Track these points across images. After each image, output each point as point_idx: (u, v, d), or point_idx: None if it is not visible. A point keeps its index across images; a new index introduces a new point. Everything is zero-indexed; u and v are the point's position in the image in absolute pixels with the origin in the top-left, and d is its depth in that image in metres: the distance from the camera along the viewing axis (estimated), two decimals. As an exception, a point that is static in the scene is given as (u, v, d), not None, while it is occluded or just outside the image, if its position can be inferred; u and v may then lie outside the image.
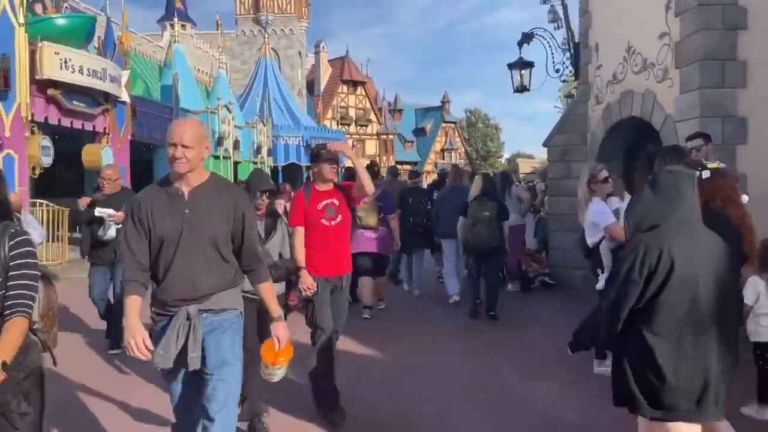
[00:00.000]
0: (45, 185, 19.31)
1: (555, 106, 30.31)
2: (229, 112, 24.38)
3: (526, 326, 7.04)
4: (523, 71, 9.77)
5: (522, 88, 9.87)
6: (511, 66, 9.85)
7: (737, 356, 2.49)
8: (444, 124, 55.01)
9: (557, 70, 10.01)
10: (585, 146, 9.05)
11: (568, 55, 9.79)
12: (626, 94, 7.76)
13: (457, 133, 56.95)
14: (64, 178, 18.69)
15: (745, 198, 3.75)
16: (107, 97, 13.37)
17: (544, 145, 9.66)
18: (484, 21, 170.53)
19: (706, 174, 3.41)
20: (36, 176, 11.33)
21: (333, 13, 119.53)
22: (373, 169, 8.18)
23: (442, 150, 54.55)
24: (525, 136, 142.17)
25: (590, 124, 8.95)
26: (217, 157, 23.15)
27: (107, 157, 13.53)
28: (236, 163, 26.27)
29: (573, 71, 10.07)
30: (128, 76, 14.28)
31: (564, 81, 18.89)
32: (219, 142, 22.96)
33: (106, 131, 13.82)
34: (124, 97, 14.02)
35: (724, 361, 2.39)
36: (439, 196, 8.89)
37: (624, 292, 2.40)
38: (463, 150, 56.76)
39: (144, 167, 19.26)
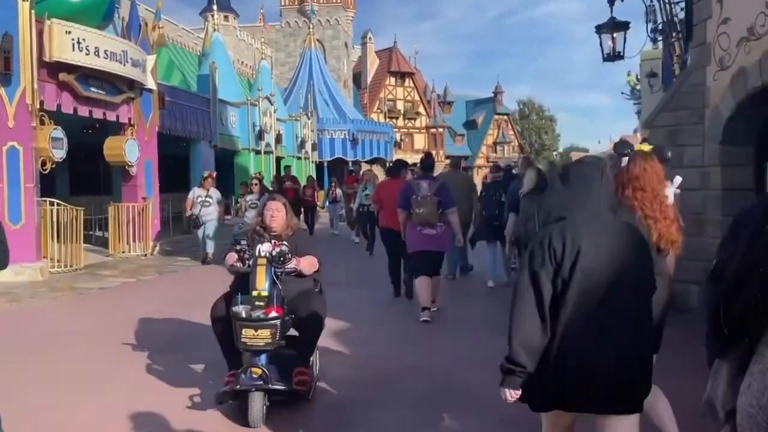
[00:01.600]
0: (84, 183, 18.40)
1: (622, 93, 27.76)
2: (271, 104, 23.01)
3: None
4: (615, 34, 7.82)
5: (614, 56, 7.92)
6: (600, 28, 7.93)
7: (649, 348, 2.45)
8: (496, 117, 52.65)
9: (659, 32, 8.01)
10: (702, 126, 7.05)
11: (674, 11, 7.77)
12: (773, 52, 5.77)
13: (510, 126, 54.45)
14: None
15: (677, 179, 3.74)
16: (131, 85, 12.05)
17: (646, 126, 7.73)
18: (533, 13, 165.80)
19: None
20: (47, 171, 10.02)
21: (380, 4, 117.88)
22: (428, 161, 7.35)
23: (494, 143, 52.22)
24: (579, 129, 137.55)
25: (709, 98, 6.94)
26: (258, 152, 21.85)
27: (132, 152, 12.23)
28: (279, 158, 24.96)
29: (677, 34, 8.05)
30: (155, 61, 12.92)
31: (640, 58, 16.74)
32: (260, 135, 21.62)
33: (131, 122, 12.51)
34: (150, 84, 12.66)
35: (631, 353, 2.34)
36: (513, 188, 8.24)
37: (536, 287, 2.33)
38: (516, 143, 54.23)
39: (178, 163, 18.09)
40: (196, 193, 11.18)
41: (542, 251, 2.35)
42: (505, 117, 54.01)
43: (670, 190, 3.50)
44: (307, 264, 4.20)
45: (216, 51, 22.67)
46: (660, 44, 15.53)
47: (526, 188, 6.92)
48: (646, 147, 3.39)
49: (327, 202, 18.67)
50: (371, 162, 34.11)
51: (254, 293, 3.84)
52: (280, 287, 3.98)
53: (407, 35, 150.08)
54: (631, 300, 2.34)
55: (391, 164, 10.26)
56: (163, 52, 21.07)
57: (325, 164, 29.83)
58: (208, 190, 11.03)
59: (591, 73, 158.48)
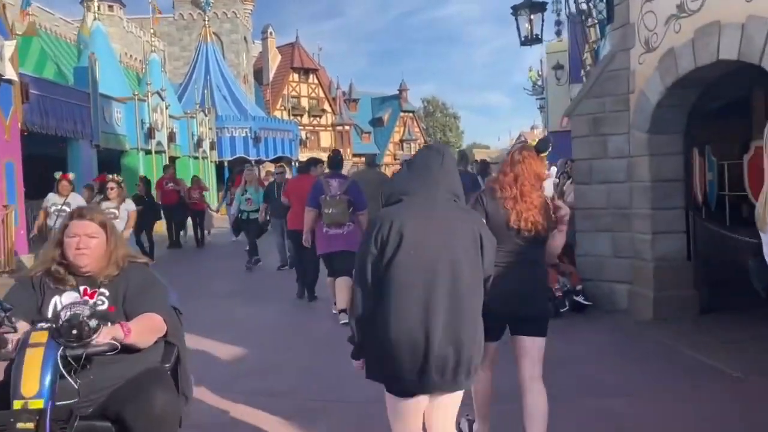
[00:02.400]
0: None
1: (524, 89, 28.03)
2: (162, 99, 21.18)
3: (566, 386, 4.47)
4: (532, 16, 7.22)
5: (532, 39, 7.33)
6: (516, 9, 7.30)
7: (474, 331, 2.45)
8: (402, 114, 52.42)
9: (569, 18, 7.49)
10: (627, 113, 6.56)
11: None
12: (707, 30, 5.28)
13: (415, 123, 54.45)
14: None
15: (552, 170, 4.29)
16: (-17, 74, 10.27)
17: (567, 114, 7.19)
18: (434, 14, 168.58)
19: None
20: None
21: (281, 1, 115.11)
22: (337, 157, 7.18)
23: (401, 141, 51.98)
24: (480, 127, 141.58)
25: (634, 83, 6.46)
26: (148, 152, 20.03)
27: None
28: (173, 159, 23.11)
29: (592, 19, 7.57)
30: (15, 48, 11.13)
31: (543, 45, 16.59)
32: (150, 133, 19.81)
33: (-14, 118, 10.70)
34: (9, 73, 10.88)
35: (455, 335, 2.37)
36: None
37: (361, 264, 2.45)
38: (422, 140, 54.31)
39: (54, 165, 16.02)
40: (50, 200, 8.55)
41: (369, 235, 2.45)
42: (411, 114, 53.94)
43: (547, 182, 3.57)
44: (143, 330, 2.48)
45: (97, 41, 20.56)
46: (565, 36, 15.42)
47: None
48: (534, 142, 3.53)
49: (225, 204, 17.23)
50: (275, 161, 32.67)
51: (16, 404, 2.10)
52: (78, 384, 2.29)
53: (310, 33, 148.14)
54: (452, 286, 2.38)
55: (299, 163, 10.39)
56: (33, 42, 18.84)
57: (226, 164, 28.11)
58: (66, 196, 8.42)
59: (490, 72, 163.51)
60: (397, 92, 52.92)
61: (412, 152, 51.02)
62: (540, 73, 26.57)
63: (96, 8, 24.10)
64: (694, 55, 5.47)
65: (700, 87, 5.97)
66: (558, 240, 3.25)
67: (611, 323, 6.36)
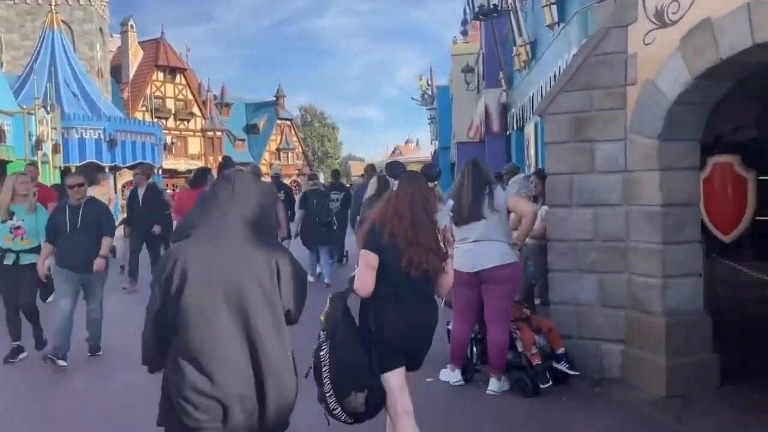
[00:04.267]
0: None
1: (413, 98, 26.71)
2: (-15, 88, 17.19)
3: None
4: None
5: (489, 9, 5.49)
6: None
7: (275, 368, 2.27)
8: (279, 122, 49.69)
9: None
10: (623, 111, 4.83)
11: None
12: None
13: (293, 132, 51.89)
14: None
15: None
16: None
17: (540, 114, 5.37)
18: (309, 24, 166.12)
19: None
20: None
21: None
22: (230, 164, 7.28)
23: (278, 149, 49.22)
24: (355, 139, 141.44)
25: (637, 70, 4.74)
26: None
27: None
28: (2, 162, 18.99)
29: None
30: None
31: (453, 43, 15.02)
32: (-35, 130, 15.84)
33: None
34: None
35: (243, 377, 2.23)
36: (357, 193, 9.48)
37: (150, 307, 2.30)
38: (300, 150, 51.91)
39: None
40: None
41: (156, 276, 2.33)
42: (289, 122, 51.34)
43: (441, 215, 3.62)
44: None
45: None
46: (470, 35, 13.92)
47: (369, 194, 7.14)
48: (416, 167, 3.69)
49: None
50: (133, 167, 28.80)
51: None
52: None
53: (176, 35, 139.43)
54: (243, 320, 2.24)
55: (193, 173, 8.69)
56: None
57: (73, 169, 24.01)
58: None
59: (363, 86, 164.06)
60: (274, 98, 50.14)
61: (290, 162, 48.46)
62: (429, 82, 25.36)
63: None
64: (751, 26, 3.80)
65: (734, 78, 4.35)
66: (446, 282, 3.20)
67: (611, 404, 4.55)
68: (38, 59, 27.53)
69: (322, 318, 2.99)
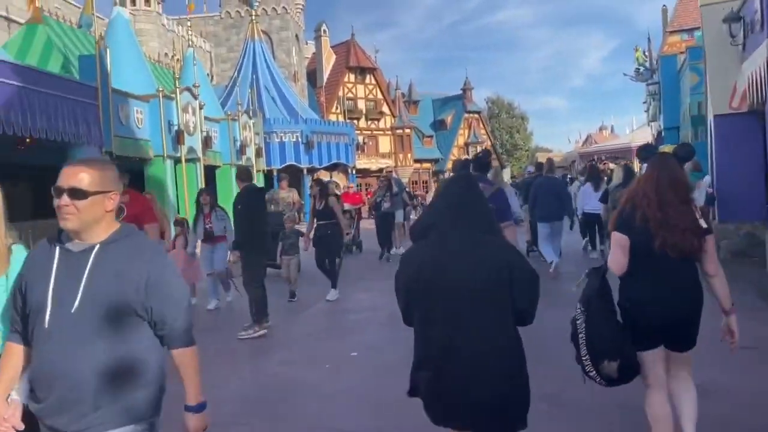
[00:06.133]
0: None
1: (625, 74, 23.40)
2: (194, 97, 17.74)
3: None
4: None
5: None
6: None
7: (508, 367, 2.35)
8: (466, 115, 48.09)
9: None
10: None
11: None
12: None
13: (481, 125, 49.95)
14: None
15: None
16: None
17: None
18: (487, 20, 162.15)
19: None
20: None
21: (333, 8, 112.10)
22: (485, 160, 6.04)
23: (466, 144, 47.61)
24: (538, 130, 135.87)
25: None
26: (177, 160, 16.63)
27: None
28: (211, 168, 19.73)
29: None
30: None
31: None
32: (178, 138, 16.38)
33: None
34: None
35: (481, 372, 2.32)
36: (536, 185, 9.89)
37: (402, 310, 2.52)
38: (488, 143, 49.79)
39: (50, 178, 12.75)
40: None
41: (398, 279, 2.51)
42: (476, 115, 49.51)
43: (698, 192, 3.70)
44: None
45: (117, 30, 17.40)
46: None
47: (615, 182, 8.06)
48: (668, 148, 3.91)
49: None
50: (329, 169, 29.07)
51: None
52: None
53: (364, 42, 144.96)
54: (480, 319, 2.33)
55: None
56: (39, 31, 15.75)
57: (275, 173, 24.61)
58: None
59: (547, 76, 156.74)
60: (461, 92, 48.66)
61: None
62: (647, 53, 21.92)
63: (130, 3, 21.29)
64: None
65: None
66: (711, 267, 3.07)
67: None
68: (242, 69, 28.93)
69: (573, 289, 3.16)
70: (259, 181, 23.13)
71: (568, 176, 21.50)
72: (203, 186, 17.64)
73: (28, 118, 10.61)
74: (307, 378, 5.16)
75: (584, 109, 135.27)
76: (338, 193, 16.52)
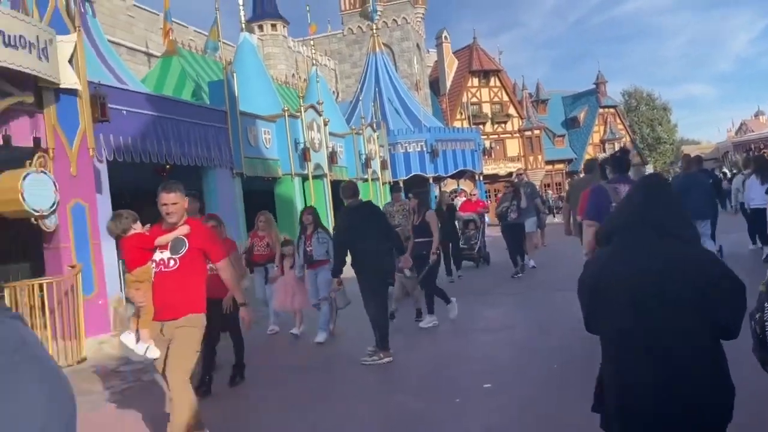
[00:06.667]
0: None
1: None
2: (318, 114, 17.92)
3: None
4: None
5: None
6: None
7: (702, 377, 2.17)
8: (601, 110, 45.25)
9: None
10: None
11: None
12: None
13: (618, 119, 46.75)
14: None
15: None
16: (27, 83, 7.22)
17: None
18: (617, 11, 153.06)
19: None
20: None
21: (455, 17, 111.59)
22: (624, 157, 5.55)
23: (602, 141, 44.77)
24: (681, 121, 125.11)
25: None
26: (305, 177, 16.83)
27: (39, 194, 7.33)
28: (337, 183, 19.85)
29: None
30: (78, 44, 7.99)
31: None
32: (304, 155, 16.55)
33: (43, 145, 7.66)
34: (67, 80, 7.76)
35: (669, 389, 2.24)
36: (680, 185, 8.70)
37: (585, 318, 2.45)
38: (627, 138, 46.46)
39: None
40: None
41: (581, 285, 2.44)
42: (612, 110, 46.41)
43: None
44: None
45: (244, 55, 18.03)
46: None
47: None
48: None
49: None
50: (456, 176, 28.38)
51: None
52: None
53: (487, 46, 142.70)
54: (674, 333, 2.15)
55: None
56: (174, 62, 16.67)
57: (401, 184, 24.38)
58: None
59: (684, 63, 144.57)
60: (594, 86, 45.92)
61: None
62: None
63: (258, 29, 22.19)
64: None
65: None
66: None
67: None
68: (365, 83, 29.16)
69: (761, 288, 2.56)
70: (384, 194, 22.99)
71: (723, 169, 19.33)
72: (330, 201, 17.79)
73: (163, 145, 11.06)
74: (436, 414, 4.55)
75: (735, 95, 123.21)
76: (454, 203, 15.70)
